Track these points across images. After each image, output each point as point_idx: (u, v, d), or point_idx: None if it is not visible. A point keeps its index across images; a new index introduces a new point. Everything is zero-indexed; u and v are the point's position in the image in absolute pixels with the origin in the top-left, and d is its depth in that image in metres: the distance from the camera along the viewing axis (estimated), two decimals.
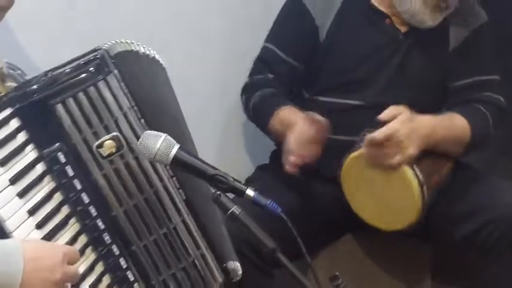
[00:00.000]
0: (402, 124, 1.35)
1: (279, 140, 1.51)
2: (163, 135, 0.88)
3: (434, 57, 1.55)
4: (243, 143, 1.87)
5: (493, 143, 1.63)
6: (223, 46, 1.81)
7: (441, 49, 1.54)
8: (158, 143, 0.87)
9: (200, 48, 1.76)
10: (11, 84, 0.96)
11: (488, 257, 1.45)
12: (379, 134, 1.33)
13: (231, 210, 0.89)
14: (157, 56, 1.06)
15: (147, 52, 1.04)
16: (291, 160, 1.36)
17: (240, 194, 0.89)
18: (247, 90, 1.60)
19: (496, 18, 1.59)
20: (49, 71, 0.89)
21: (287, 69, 1.57)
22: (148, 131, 0.89)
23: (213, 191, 0.91)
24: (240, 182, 0.90)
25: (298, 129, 1.37)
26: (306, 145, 1.36)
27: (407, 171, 1.39)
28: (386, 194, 1.43)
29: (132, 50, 0.99)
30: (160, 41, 1.59)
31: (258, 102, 1.55)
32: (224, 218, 0.95)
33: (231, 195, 0.91)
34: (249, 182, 0.98)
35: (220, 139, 1.81)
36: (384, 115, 1.35)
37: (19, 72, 1.09)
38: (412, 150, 1.36)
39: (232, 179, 0.89)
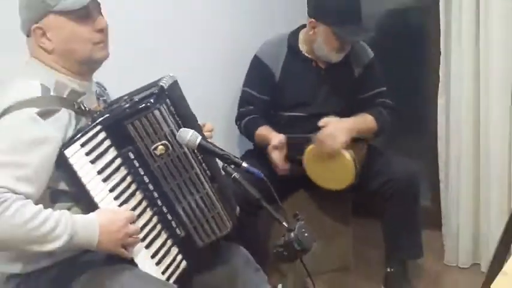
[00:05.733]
0: (332, 126, 2.74)
1: (260, 145, 2.95)
2: (192, 131, 1.78)
3: (345, 82, 2.98)
4: (237, 135, 3.27)
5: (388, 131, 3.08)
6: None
7: (349, 76, 2.98)
8: (189, 135, 1.77)
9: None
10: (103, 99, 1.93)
11: (386, 202, 2.88)
12: (320, 135, 2.74)
13: (233, 175, 1.75)
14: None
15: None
16: (281, 169, 2.82)
17: (238, 165, 1.72)
18: (239, 118, 3.08)
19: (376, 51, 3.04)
20: (125, 98, 1.81)
21: (261, 102, 3.01)
22: (183, 128, 1.79)
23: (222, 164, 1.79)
24: (238, 158, 1.76)
25: (275, 154, 2.81)
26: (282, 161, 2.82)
27: (345, 153, 2.74)
28: (334, 168, 2.79)
29: (176, 81, 1.89)
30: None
31: (246, 126, 3.03)
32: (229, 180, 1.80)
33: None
34: (242, 159, 1.86)
35: (225, 131, 3.21)
36: (321, 122, 2.75)
37: (103, 89, 2.03)
38: (342, 138, 2.72)
39: (233, 156, 1.76)
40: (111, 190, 1.79)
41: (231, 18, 3.23)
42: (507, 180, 2.95)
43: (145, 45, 2.73)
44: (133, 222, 1.81)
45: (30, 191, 1.62)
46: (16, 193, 1.58)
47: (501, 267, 1.88)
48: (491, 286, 1.78)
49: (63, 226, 1.63)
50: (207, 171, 1.91)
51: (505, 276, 1.82)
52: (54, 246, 1.62)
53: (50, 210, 1.64)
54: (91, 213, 1.74)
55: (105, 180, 1.78)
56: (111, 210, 1.78)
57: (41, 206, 1.63)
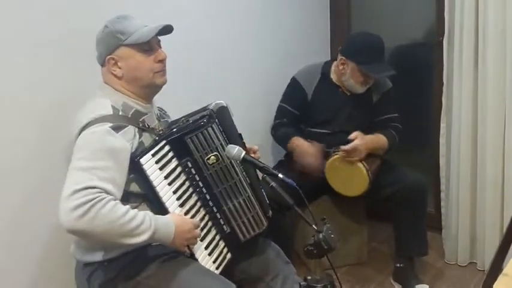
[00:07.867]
0: (360, 141, 2.79)
1: (292, 153, 2.99)
2: (237, 147, 1.84)
3: (364, 106, 3.04)
4: (271, 147, 3.42)
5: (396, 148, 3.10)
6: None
7: (368, 102, 3.05)
8: (235, 150, 1.84)
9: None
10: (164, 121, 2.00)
11: (397, 207, 2.92)
12: (349, 147, 2.78)
13: (271, 184, 1.81)
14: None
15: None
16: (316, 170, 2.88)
17: (275, 176, 1.79)
18: (274, 129, 3.18)
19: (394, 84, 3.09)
20: (183, 119, 1.88)
21: (293, 116, 3.11)
22: (230, 145, 1.86)
23: (262, 174, 1.85)
24: (275, 170, 1.82)
25: (312, 152, 2.89)
26: (318, 160, 2.89)
27: (361, 164, 2.82)
28: (350, 177, 2.84)
29: (225, 107, 1.97)
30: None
31: (280, 136, 3.11)
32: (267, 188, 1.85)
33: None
34: (275, 169, 1.94)
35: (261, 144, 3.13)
36: (351, 136, 2.81)
37: (164, 112, 2.09)
38: (364, 153, 2.82)
39: (271, 168, 1.82)
40: (174, 192, 1.85)
41: (272, 46, 3.42)
42: (500, 191, 2.93)
43: (197, 69, 2.85)
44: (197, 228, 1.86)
45: (114, 191, 1.66)
46: (108, 193, 1.62)
47: (500, 268, 1.79)
48: (493, 286, 1.72)
49: (148, 223, 1.67)
50: (247, 179, 1.97)
51: (506, 277, 1.75)
52: (140, 239, 1.65)
53: (136, 210, 1.68)
54: (167, 216, 1.78)
55: (169, 184, 1.84)
56: (181, 216, 1.83)
57: (128, 206, 1.66)
